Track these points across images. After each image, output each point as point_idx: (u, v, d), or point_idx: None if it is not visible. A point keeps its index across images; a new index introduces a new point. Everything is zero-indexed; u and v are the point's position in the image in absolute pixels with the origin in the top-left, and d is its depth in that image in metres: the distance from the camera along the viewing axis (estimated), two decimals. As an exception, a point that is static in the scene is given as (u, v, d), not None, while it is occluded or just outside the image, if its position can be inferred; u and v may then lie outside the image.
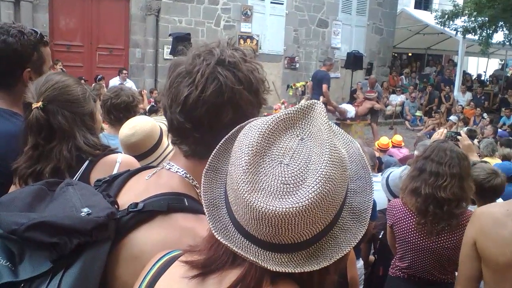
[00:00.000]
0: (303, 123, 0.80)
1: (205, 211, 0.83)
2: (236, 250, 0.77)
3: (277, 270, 0.75)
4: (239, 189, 0.74)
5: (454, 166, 2.53)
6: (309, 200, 0.72)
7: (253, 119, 0.88)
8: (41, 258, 0.92)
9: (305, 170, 0.75)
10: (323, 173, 0.73)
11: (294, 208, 0.71)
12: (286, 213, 0.71)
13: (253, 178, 0.74)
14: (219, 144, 0.91)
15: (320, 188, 0.73)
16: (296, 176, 0.74)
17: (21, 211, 1.00)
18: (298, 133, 0.79)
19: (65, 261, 0.93)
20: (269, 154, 0.77)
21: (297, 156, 0.76)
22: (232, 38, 1.12)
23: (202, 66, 1.00)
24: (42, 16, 10.92)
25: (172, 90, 1.03)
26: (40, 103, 1.50)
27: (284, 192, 0.73)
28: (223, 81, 0.99)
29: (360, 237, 0.81)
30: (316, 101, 0.83)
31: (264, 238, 0.76)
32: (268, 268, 0.75)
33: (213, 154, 0.90)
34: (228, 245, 0.78)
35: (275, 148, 0.77)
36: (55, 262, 0.92)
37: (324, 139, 0.77)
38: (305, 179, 0.74)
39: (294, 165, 0.75)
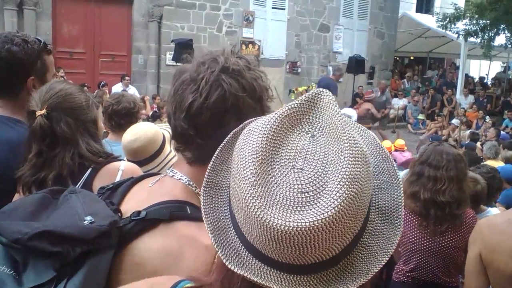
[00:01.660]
0: (311, 117, 0.70)
1: (209, 236, 0.72)
2: (254, 279, 0.66)
3: None
4: (249, 206, 0.63)
5: (451, 169, 2.55)
6: (336, 208, 0.61)
7: (248, 120, 0.79)
8: (45, 266, 0.93)
9: (324, 172, 0.64)
10: (347, 172, 0.62)
11: (320, 220, 0.61)
12: (311, 227, 0.61)
13: (263, 190, 0.63)
14: (214, 155, 0.82)
15: (346, 191, 0.62)
16: (314, 182, 0.64)
17: (24, 220, 1.00)
18: (307, 129, 0.69)
19: (69, 269, 0.93)
20: (277, 160, 0.66)
21: (311, 157, 0.66)
22: (235, 46, 1.13)
23: (206, 73, 1.00)
24: (45, 24, 10.96)
25: (177, 97, 1.04)
26: (44, 111, 1.51)
27: (304, 203, 0.63)
28: (227, 89, 1.00)
29: (396, 241, 0.71)
30: (322, 89, 0.72)
31: (286, 260, 0.65)
32: None
33: (209, 168, 0.81)
34: (244, 274, 0.66)
35: (283, 151, 0.67)
36: (58, 270, 0.92)
37: (339, 133, 0.66)
38: (326, 183, 0.63)
39: (310, 168, 0.65)
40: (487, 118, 13.77)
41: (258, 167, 0.65)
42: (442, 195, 2.51)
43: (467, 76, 18.47)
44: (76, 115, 1.58)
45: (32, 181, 1.53)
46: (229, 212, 0.75)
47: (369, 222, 0.71)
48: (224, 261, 0.69)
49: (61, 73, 10.12)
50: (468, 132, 11.57)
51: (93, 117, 1.66)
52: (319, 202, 0.62)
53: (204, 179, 0.80)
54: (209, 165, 0.81)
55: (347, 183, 0.62)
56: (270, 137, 0.67)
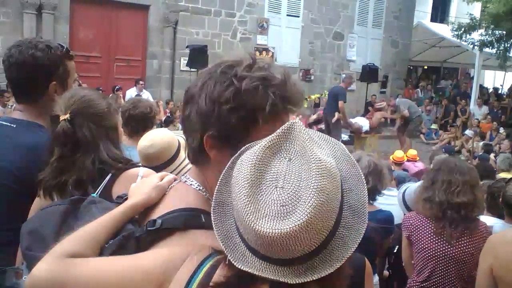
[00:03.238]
0: (287, 145, 0.86)
1: (220, 244, 0.89)
2: (256, 273, 0.83)
3: (298, 281, 0.82)
4: (245, 220, 0.82)
5: (465, 174, 2.65)
6: (308, 214, 0.79)
7: (244, 147, 0.93)
8: None
9: (299, 188, 0.81)
10: (314, 186, 0.80)
11: (297, 226, 0.78)
12: (291, 232, 0.78)
13: (254, 207, 0.82)
14: (220, 179, 0.96)
15: (316, 200, 0.79)
16: (292, 196, 0.81)
17: (51, 238, 1.11)
18: (285, 155, 0.86)
19: None
20: (264, 182, 0.84)
21: (289, 177, 0.83)
22: (254, 59, 1.13)
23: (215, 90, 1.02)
24: (62, 28, 11.10)
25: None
26: (67, 116, 1.55)
27: (285, 213, 0.80)
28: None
29: (363, 233, 0.88)
30: (294, 121, 0.89)
31: (278, 257, 0.83)
32: (289, 282, 0.82)
33: (216, 189, 0.96)
34: (249, 270, 0.84)
35: (268, 175, 0.84)
36: None
37: (308, 155, 0.83)
38: (300, 196, 0.80)
39: (288, 186, 0.82)
40: (501, 130, 13.60)
41: (249, 190, 0.83)
42: (457, 196, 2.58)
43: (481, 86, 18.27)
44: (98, 121, 1.61)
45: (53, 185, 1.56)
46: (235, 223, 0.91)
47: (342, 218, 0.88)
48: (233, 261, 0.86)
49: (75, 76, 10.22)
50: (481, 143, 11.46)
51: (114, 123, 1.69)
52: (296, 211, 0.80)
53: (213, 199, 0.95)
54: (216, 187, 0.96)
55: (316, 194, 0.80)
56: (257, 165, 0.85)
